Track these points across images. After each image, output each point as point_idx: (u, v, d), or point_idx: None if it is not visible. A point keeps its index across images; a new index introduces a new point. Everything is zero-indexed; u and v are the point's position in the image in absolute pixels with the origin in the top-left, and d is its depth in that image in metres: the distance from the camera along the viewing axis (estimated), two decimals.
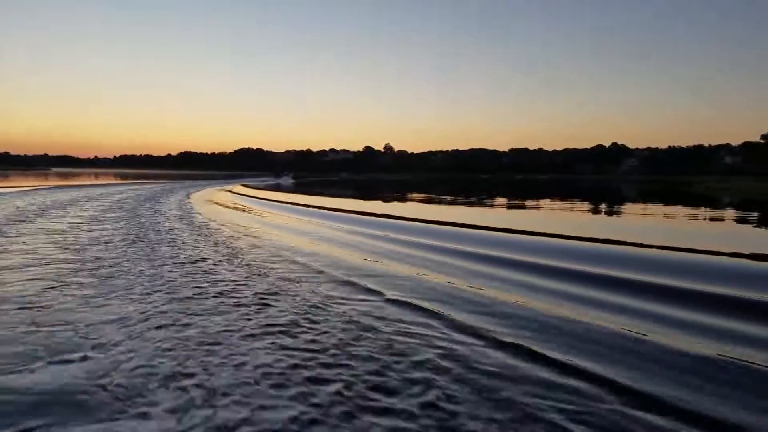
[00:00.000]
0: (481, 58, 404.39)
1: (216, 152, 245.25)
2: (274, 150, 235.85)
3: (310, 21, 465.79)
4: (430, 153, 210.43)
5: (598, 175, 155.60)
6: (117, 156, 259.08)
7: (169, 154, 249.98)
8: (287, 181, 62.81)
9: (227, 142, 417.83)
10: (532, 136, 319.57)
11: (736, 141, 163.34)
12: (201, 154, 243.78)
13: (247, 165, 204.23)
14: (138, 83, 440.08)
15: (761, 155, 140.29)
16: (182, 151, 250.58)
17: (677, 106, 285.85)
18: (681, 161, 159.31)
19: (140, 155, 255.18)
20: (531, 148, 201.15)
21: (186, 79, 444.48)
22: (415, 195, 33.42)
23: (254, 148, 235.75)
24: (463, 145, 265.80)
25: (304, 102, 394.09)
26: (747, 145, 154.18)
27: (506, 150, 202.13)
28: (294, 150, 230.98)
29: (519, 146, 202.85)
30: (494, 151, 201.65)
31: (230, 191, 26.33)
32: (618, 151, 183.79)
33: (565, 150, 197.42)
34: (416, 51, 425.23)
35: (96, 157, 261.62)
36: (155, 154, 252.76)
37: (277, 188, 39.60)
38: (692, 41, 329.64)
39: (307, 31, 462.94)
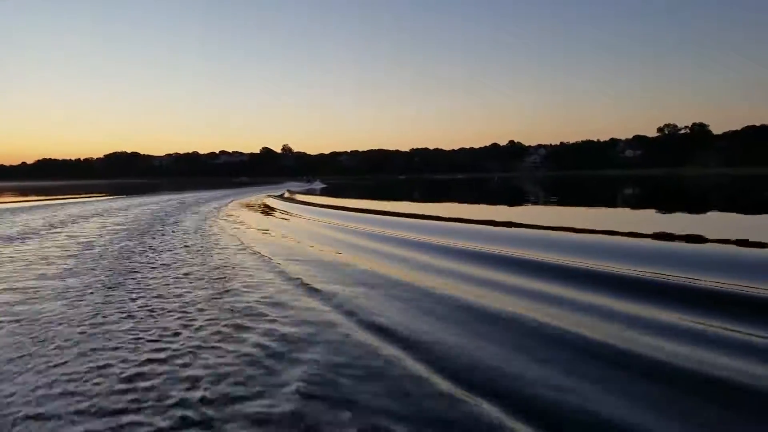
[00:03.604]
0: (373, 58, 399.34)
1: (82, 158, 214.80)
2: (152, 153, 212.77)
3: (186, 15, 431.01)
4: (336, 154, 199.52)
5: (505, 173, 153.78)
6: None
7: (23, 163, 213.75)
8: (318, 185, 62.77)
9: (95, 147, 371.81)
10: (429, 136, 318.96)
11: (626, 135, 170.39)
12: (64, 161, 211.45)
13: (120, 171, 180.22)
14: None
15: (658, 148, 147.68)
16: (41, 158, 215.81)
17: (569, 105, 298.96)
18: (583, 156, 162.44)
19: None
20: (430, 147, 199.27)
21: (42, 76, 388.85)
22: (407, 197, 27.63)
23: (128, 151, 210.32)
24: (363, 146, 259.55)
25: (185, 103, 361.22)
26: (640, 139, 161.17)
27: (407, 150, 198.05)
28: (177, 153, 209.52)
29: (419, 146, 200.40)
30: (398, 152, 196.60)
31: None
32: (515, 149, 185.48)
33: (462, 149, 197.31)
34: (307, 52, 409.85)
35: None
36: (7, 164, 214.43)
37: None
38: (581, 42, 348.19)
39: (184, 26, 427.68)
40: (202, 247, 7.68)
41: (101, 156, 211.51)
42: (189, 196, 27.36)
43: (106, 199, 24.86)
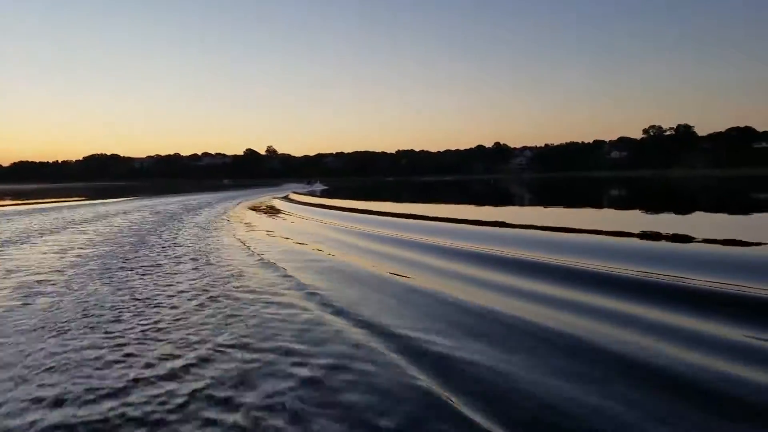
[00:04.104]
0: (359, 60, 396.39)
1: (60, 160, 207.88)
2: (133, 156, 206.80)
3: (166, 14, 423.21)
4: (321, 155, 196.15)
5: (492, 174, 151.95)
6: None
7: None
8: (319, 187, 63.25)
9: (73, 149, 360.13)
10: (414, 137, 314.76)
11: (611, 137, 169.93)
12: (41, 163, 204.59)
13: (99, 173, 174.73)
14: None
15: (644, 149, 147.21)
16: (16, 160, 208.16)
17: (553, 108, 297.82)
18: (569, 157, 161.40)
19: None
20: (416, 149, 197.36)
21: (17, 77, 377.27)
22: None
23: (108, 153, 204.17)
24: (348, 148, 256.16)
25: (166, 104, 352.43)
26: (626, 140, 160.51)
27: (393, 152, 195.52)
28: (158, 155, 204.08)
29: (404, 148, 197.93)
30: (384, 153, 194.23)
31: None
32: (501, 150, 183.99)
33: (447, 151, 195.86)
34: (292, 53, 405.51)
35: None
36: None
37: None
38: (565, 45, 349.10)
39: (165, 26, 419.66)
40: (225, 288, 5.04)
41: (80, 158, 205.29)
42: (175, 202, 24.40)
43: (80, 204, 21.96)
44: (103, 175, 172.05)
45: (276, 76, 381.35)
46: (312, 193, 39.18)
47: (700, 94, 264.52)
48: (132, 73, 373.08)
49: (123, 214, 16.17)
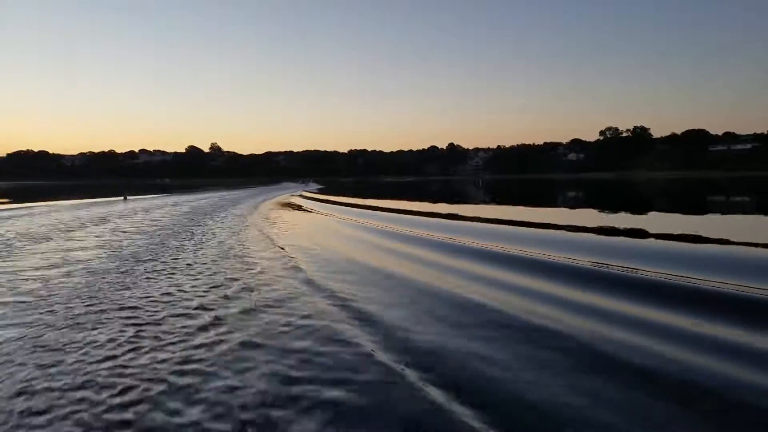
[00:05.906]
0: (303, 56, 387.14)
1: None
2: (63, 152, 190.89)
3: (97, 3, 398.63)
4: (271, 154, 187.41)
5: (449, 176, 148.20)
6: None
7: None
8: (313, 186, 62.40)
9: None
10: (365, 137, 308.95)
11: (565, 139, 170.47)
12: None
13: (26, 172, 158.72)
14: None
15: (601, 151, 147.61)
16: None
17: (503, 111, 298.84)
18: (526, 159, 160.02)
19: None
20: (368, 149, 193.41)
21: None
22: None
23: (35, 150, 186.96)
24: (297, 147, 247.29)
25: (100, 98, 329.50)
26: (581, 142, 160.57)
27: (345, 151, 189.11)
28: (92, 152, 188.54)
29: (356, 147, 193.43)
30: (336, 153, 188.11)
31: None
32: (455, 152, 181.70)
33: (400, 151, 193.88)
34: (236, 47, 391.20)
35: None
36: None
37: None
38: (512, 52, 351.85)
39: (94, 14, 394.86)
40: None
41: (3, 155, 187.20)
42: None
43: None
44: (29, 174, 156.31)
45: (218, 70, 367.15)
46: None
47: (654, 97, 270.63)
48: (60, 64, 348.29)
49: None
